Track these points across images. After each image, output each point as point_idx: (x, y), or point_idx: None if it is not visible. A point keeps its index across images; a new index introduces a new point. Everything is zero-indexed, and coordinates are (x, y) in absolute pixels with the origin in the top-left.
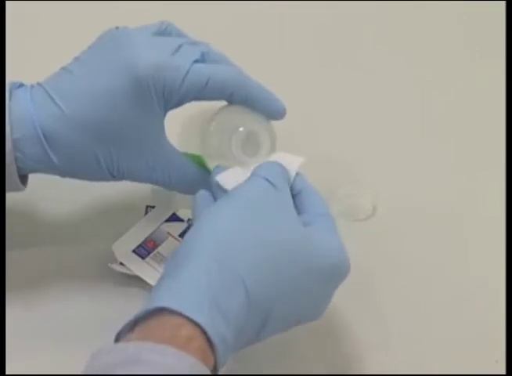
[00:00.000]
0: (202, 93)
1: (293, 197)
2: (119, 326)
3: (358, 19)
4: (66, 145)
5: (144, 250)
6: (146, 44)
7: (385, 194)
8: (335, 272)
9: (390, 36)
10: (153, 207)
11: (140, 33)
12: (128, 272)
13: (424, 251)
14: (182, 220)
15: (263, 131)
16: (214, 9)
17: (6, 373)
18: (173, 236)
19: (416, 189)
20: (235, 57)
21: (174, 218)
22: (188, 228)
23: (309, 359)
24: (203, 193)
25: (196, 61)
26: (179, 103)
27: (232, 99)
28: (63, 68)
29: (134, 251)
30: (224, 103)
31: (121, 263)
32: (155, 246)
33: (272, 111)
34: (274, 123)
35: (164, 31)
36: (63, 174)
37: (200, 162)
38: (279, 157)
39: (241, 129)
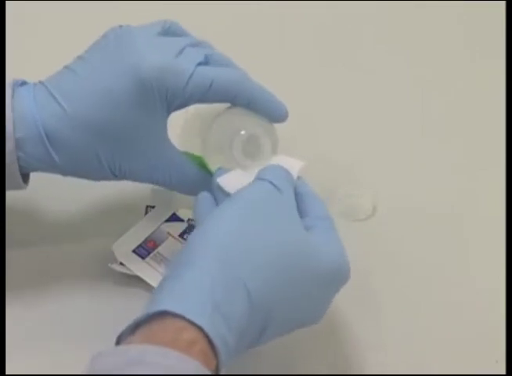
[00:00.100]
0: (205, 96)
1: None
2: (119, 326)
3: (358, 19)
4: (69, 144)
5: (144, 250)
6: (150, 45)
7: (385, 194)
8: (335, 277)
9: (390, 36)
10: (153, 207)
11: (144, 33)
12: (128, 272)
13: (424, 251)
14: (182, 220)
15: (264, 134)
16: (214, 8)
17: (6, 373)
18: (173, 236)
19: (416, 189)
20: (235, 57)
21: (174, 218)
22: (188, 228)
23: (309, 359)
24: (204, 195)
25: (199, 64)
26: (182, 105)
27: (235, 102)
28: (66, 67)
29: (134, 251)
30: (225, 103)
31: (121, 263)
32: (155, 246)
33: (274, 114)
34: (274, 124)
35: (168, 30)
36: (65, 173)
37: (200, 163)
38: (280, 160)
39: (242, 132)
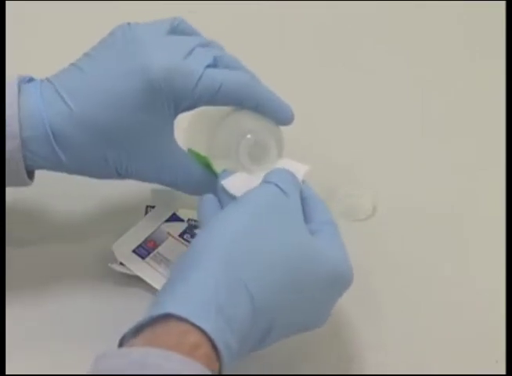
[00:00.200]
0: (214, 98)
1: None
2: (119, 325)
3: (358, 19)
4: (75, 144)
5: (144, 250)
6: (159, 45)
7: (385, 194)
8: (339, 281)
9: (390, 36)
10: (153, 207)
11: (152, 31)
12: (128, 272)
13: (424, 251)
14: (182, 220)
15: (271, 138)
16: (214, 9)
17: (6, 373)
18: (173, 236)
19: (416, 189)
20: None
21: (174, 218)
22: (188, 228)
23: (310, 359)
24: (208, 197)
25: (208, 65)
26: (190, 107)
27: (242, 105)
28: (73, 64)
29: (134, 251)
30: None
31: (121, 263)
32: (155, 246)
33: (281, 117)
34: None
35: (177, 28)
36: (71, 171)
37: (206, 163)
38: (285, 164)
39: (249, 136)
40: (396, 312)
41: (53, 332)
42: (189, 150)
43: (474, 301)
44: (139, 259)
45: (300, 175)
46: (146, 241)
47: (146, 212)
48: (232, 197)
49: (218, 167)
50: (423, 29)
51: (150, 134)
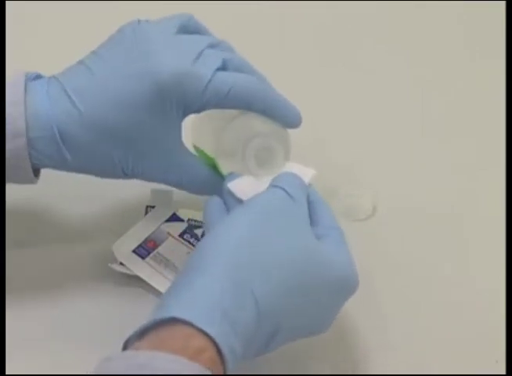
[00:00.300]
0: (223, 102)
1: None
2: (119, 325)
3: (358, 19)
4: (81, 144)
5: (144, 250)
6: (168, 46)
7: (385, 194)
8: (344, 286)
9: (390, 36)
10: (153, 207)
11: (162, 31)
12: (128, 272)
13: (424, 251)
14: (182, 220)
15: (278, 142)
16: (214, 8)
17: (6, 373)
18: (173, 237)
19: (416, 189)
20: None
21: (174, 218)
22: (188, 228)
23: (310, 359)
24: (214, 200)
25: (218, 69)
26: (199, 110)
27: (251, 108)
28: (81, 62)
29: (134, 251)
30: None
31: (121, 263)
32: (155, 246)
33: (289, 121)
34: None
35: (187, 26)
36: (76, 171)
37: (212, 164)
38: (291, 167)
39: (256, 140)
40: (396, 312)
41: (53, 332)
42: (196, 148)
43: (474, 301)
44: (139, 259)
45: (306, 179)
46: (146, 241)
47: (146, 212)
48: (239, 201)
49: (224, 169)
50: (423, 29)
51: (158, 135)
